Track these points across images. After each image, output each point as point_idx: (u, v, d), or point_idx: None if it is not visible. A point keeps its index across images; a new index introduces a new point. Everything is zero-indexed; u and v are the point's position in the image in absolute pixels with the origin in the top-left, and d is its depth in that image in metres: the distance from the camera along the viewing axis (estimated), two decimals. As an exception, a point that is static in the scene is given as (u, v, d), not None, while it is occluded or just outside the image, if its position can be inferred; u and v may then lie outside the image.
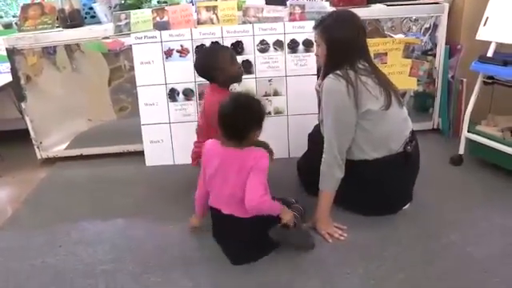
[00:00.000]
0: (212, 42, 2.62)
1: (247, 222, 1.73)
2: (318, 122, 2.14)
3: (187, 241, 1.98)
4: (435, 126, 2.98)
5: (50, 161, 3.01)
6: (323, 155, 1.90)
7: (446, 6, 2.70)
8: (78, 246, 2.02)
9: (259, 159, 1.68)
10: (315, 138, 2.11)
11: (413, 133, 2.01)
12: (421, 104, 3.17)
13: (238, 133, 1.70)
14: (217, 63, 2.08)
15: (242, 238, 1.78)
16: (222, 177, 1.75)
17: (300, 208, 1.91)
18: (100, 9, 2.86)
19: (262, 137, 2.47)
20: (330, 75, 1.85)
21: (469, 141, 2.46)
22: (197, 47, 2.63)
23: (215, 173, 1.77)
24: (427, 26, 2.97)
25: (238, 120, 1.68)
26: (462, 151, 2.49)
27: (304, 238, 1.79)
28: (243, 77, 2.59)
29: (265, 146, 2.00)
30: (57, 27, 2.81)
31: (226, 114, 1.68)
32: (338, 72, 1.84)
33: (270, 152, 2.04)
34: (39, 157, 3.00)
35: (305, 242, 1.81)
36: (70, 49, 3.31)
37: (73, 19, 2.77)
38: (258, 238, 1.76)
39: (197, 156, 2.20)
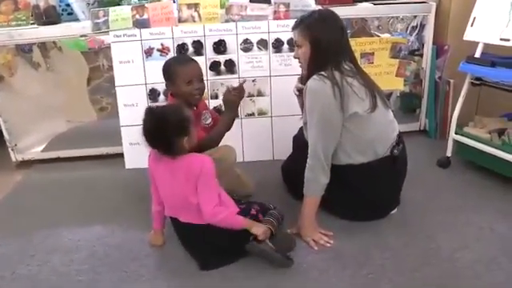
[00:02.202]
0: (194, 41, 2.55)
1: (206, 228, 1.70)
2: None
3: (167, 249, 1.90)
4: (422, 128, 2.94)
5: (26, 163, 2.90)
6: (308, 160, 1.83)
7: (434, 5, 2.66)
8: (53, 255, 1.92)
9: (203, 165, 1.66)
10: (300, 141, 2.04)
11: (399, 135, 1.96)
12: (407, 105, 3.13)
13: (164, 146, 1.68)
14: (169, 73, 1.97)
15: (204, 244, 1.75)
16: (168, 188, 1.75)
17: (277, 215, 1.84)
18: (77, 5, 2.74)
19: (246, 138, 2.42)
20: (315, 76, 1.78)
21: (456, 143, 2.42)
22: (178, 46, 2.55)
23: (161, 185, 1.78)
24: (414, 25, 2.93)
25: (157, 134, 1.65)
26: (449, 153, 2.45)
27: (280, 257, 1.71)
28: (226, 77, 2.56)
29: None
30: (31, 24, 2.69)
31: (145, 130, 1.66)
32: (323, 73, 1.77)
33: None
34: (14, 159, 2.88)
35: (281, 261, 1.72)
36: (45, 47, 3.18)
37: (48, 16, 2.64)
38: (221, 244, 1.73)
39: None
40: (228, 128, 2.08)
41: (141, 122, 1.66)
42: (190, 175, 1.65)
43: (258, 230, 1.70)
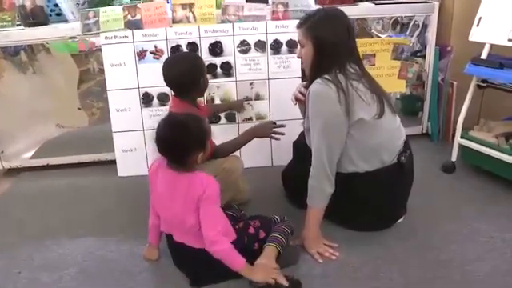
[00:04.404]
0: (189, 43, 2.45)
1: (200, 251, 1.59)
2: (303, 129, 1.98)
3: (162, 264, 1.80)
4: (424, 131, 2.86)
5: (14, 171, 2.78)
6: (311, 168, 1.74)
7: (436, 4, 2.59)
8: (41, 272, 1.81)
9: (207, 186, 1.53)
10: (301, 146, 1.96)
11: (406, 142, 1.88)
12: (409, 107, 3.05)
13: (177, 157, 1.56)
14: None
15: (197, 264, 1.65)
16: (166, 202, 1.62)
17: (284, 228, 1.73)
18: (66, 6, 2.64)
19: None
20: (318, 80, 1.69)
21: (461, 147, 2.35)
22: (172, 48, 2.45)
23: (160, 198, 1.65)
24: (415, 25, 2.85)
25: (174, 143, 1.52)
26: (454, 158, 2.37)
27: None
28: (223, 80, 2.49)
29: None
30: (17, 25, 2.58)
31: (161, 137, 1.53)
32: (327, 76, 1.68)
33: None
34: (1, 167, 2.76)
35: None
36: (32, 49, 3.06)
37: (35, 17, 2.53)
38: (216, 264, 1.60)
39: None
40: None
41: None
42: (192, 195, 1.53)
43: (258, 276, 1.56)
